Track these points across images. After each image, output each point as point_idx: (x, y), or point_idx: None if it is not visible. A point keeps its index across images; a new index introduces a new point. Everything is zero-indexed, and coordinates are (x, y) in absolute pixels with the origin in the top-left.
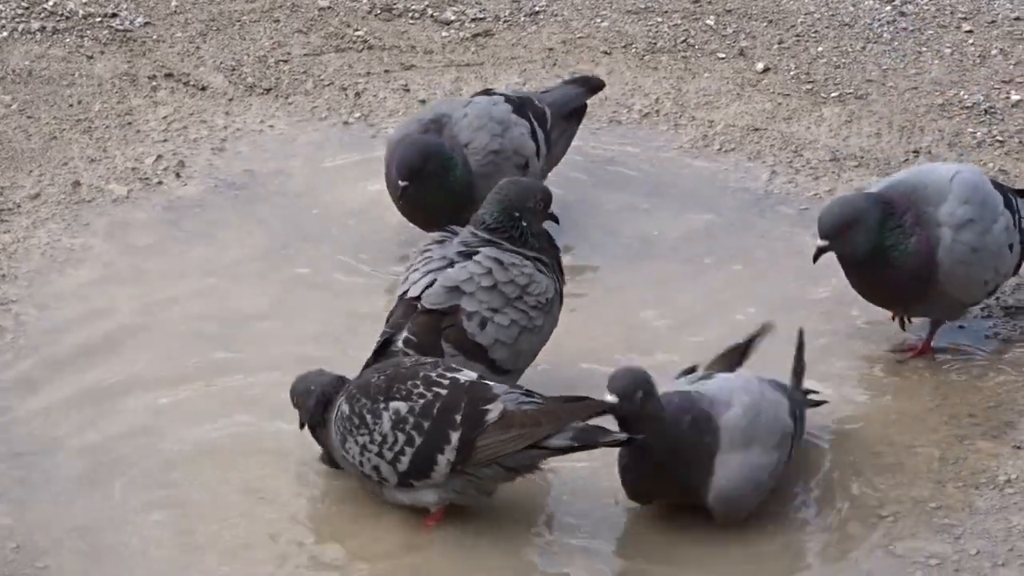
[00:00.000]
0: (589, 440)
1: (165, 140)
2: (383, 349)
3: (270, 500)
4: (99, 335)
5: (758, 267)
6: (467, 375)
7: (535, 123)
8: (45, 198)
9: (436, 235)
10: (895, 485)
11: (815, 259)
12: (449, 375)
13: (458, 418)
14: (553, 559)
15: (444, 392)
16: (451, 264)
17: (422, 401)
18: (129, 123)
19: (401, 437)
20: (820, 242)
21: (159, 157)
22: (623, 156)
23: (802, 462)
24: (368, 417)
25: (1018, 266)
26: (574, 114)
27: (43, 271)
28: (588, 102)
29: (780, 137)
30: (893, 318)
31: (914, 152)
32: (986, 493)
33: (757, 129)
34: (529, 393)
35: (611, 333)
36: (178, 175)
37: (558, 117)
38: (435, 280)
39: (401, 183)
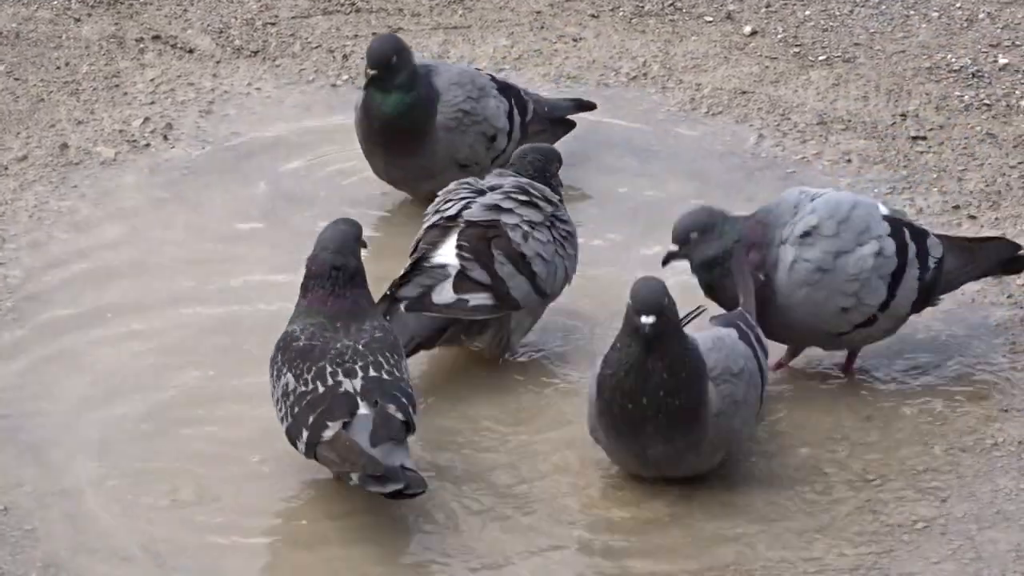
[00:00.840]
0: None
1: (152, 103)
2: (416, 266)
3: (263, 459)
4: (86, 297)
5: None
6: (351, 385)
7: (514, 108)
8: (32, 160)
9: (456, 183)
10: (883, 447)
11: (664, 263)
12: (336, 379)
13: (310, 419)
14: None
15: (317, 390)
16: (482, 193)
17: (302, 387)
18: (116, 85)
19: (283, 407)
20: (671, 246)
21: (146, 119)
22: (610, 119)
23: (788, 425)
24: (274, 370)
25: (921, 303)
26: (560, 123)
27: (30, 233)
28: (583, 103)
29: (767, 100)
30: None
31: (901, 115)
32: (973, 456)
33: (744, 92)
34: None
35: (595, 296)
36: (165, 137)
37: (541, 116)
38: (471, 203)
39: (369, 71)
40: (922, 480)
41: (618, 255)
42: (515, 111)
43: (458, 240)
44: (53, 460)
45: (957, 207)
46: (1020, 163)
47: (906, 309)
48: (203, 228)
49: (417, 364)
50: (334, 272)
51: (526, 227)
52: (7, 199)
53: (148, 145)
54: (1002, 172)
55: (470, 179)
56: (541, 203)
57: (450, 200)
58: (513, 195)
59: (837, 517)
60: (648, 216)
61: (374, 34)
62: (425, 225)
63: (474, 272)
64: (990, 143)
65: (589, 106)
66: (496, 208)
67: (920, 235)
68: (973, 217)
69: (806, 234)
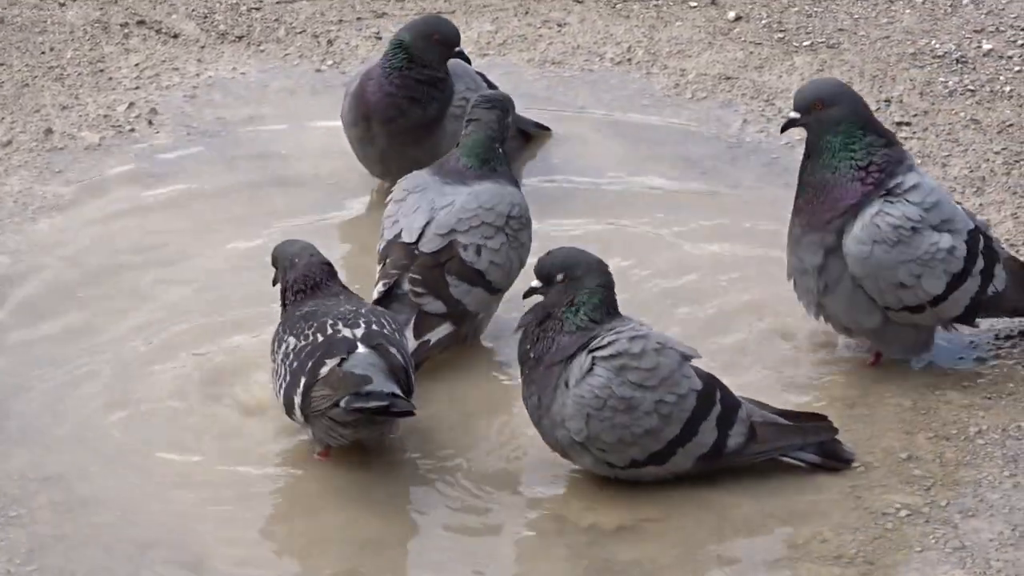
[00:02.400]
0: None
1: (137, 88)
2: (389, 293)
3: (246, 444)
4: (71, 282)
5: (730, 216)
6: (350, 332)
7: None
8: (17, 145)
9: (406, 182)
10: (866, 436)
11: (783, 129)
12: (336, 328)
13: (309, 365)
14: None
15: (317, 339)
16: (439, 208)
17: (303, 342)
18: (101, 71)
19: (281, 370)
20: (792, 113)
21: (131, 105)
22: (595, 104)
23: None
24: (275, 344)
25: (962, 317)
26: (523, 136)
27: (15, 218)
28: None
29: (752, 86)
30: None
31: (885, 101)
32: (957, 444)
33: (729, 78)
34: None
35: None
36: (150, 123)
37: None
38: (429, 223)
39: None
40: (906, 468)
41: (606, 240)
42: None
43: (411, 275)
44: (38, 445)
45: None
46: (1004, 149)
47: (949, 315)
48: (187, 213)
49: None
50: (326, 269)
51: (479, 241)
52: None
53: (133, 130)
54: (986, 158)
55: (427, 175)
56: (497, 207)
57: (406, 215)
58: (468, 213)
59: (820, 504)
60: (633, 201)
61: (358, 19)
62: (387, 236)
63: (430, 306)
64: (974, 129)
65: (546, 128)
66: (451, 232)
67: (992, 256)
68: (957, 203)
69: (892, 192)
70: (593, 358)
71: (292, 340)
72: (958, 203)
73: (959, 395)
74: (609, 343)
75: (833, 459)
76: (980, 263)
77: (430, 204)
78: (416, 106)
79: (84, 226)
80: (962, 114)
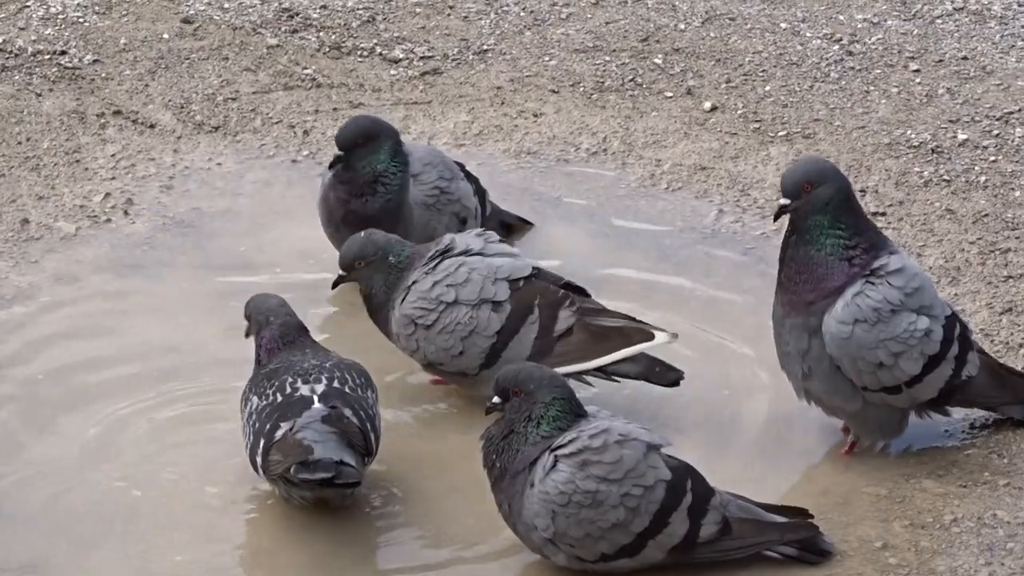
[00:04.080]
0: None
1: (113, 178)
2: None
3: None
4: (47, 371)
5: (704, 307)
6: (308, 391)
7: (476, 194)
8: None
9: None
10: (841, 524)
11: (776, 217)
12: (295, 387)
13: (267, 427)
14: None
15: (276, 400)
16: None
17: (263, 402)
18: (78, 160)
19: (247, 430)
20: (782, 200)
21: (107, 195)
22: (571, 194)
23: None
24: (242, 403)
25: (934, 402)
26: (502, 226)
27: None
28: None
29: (727, 176)
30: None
31: (861, 191)
32: (932, 532)
33: (704, 168)
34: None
35: None
36: (126, 213)
37: (494, 213)
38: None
39: (336, 152)
40: (881, 557)
41: None
42: (478, 198)
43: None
44: (11, 531)
45: None
46: (979, 239)
47: (923, 398)
48: (163, 304)
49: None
50: (300, 328)
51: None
52: None
53: (109, 220)
54: (961, 248)
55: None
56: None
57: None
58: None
59: None
60: (608, 292)
61: (335, 109)
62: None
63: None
64: (949, 219)
65: (528, 223)
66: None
67: (966, 343)
68: None
69: (875, 273)
70: (555, 456)
71: (255, 400)
72: None
73: (934, 483)
74: (570, 441)
75: (811, 552)
76: (955, 348)
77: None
78: (361, 201)
79: (60, 316)
80: (937, 204)
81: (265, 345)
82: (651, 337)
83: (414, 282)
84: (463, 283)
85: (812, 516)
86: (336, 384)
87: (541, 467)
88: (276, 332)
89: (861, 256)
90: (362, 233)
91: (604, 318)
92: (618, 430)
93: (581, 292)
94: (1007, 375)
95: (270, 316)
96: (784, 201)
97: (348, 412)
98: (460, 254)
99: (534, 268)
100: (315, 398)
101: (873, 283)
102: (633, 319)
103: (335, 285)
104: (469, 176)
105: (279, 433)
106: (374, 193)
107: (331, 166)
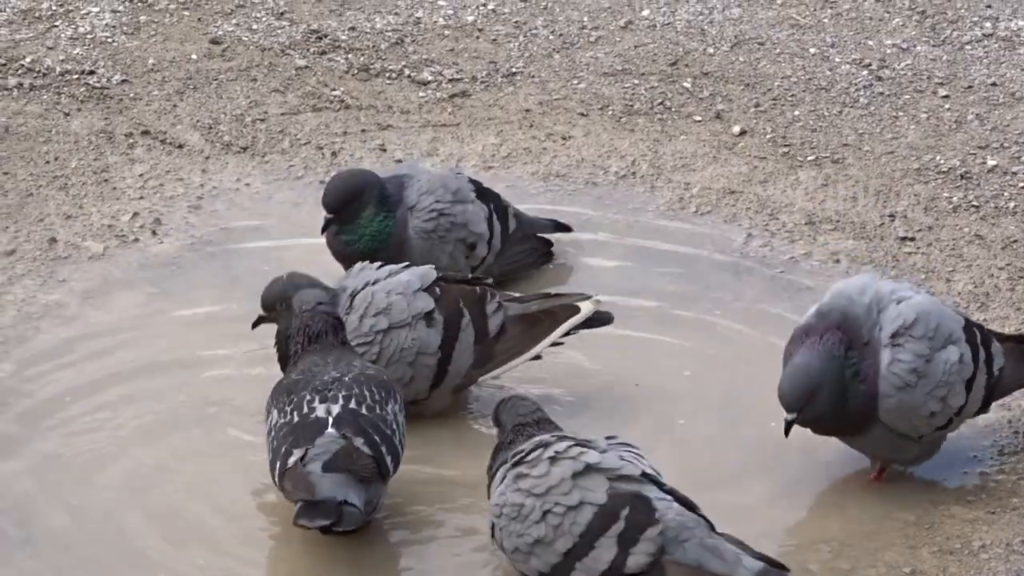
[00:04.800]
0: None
1: (141, 197)
2: None
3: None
4: (74, 392)
5: (732, 331)
6: (324, 411)
7: (494, 213)
8: (21, 254)
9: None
10: (869, 550)
11: (786, 433)
12: (312, 407)
13: (282, 451)
14: None
15: (293, 420)
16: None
17: (282, 419)
18: (106, 180)
19: (269, 445)
20: (788, 416)
21: (135, 214)
22: (599, 218)
23: (774, 525)
24: (266, 415)
25: (986, 403)
26: (541, 241)
27: (18, 327)
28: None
29: (756, 200)
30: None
31: (890, 216)
32: (961, 558)
33: (733, 192)
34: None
35: (575, 393)
36: (154, 233)
37: (525, 230)
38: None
39: (325, 215)
40: None
41: (606, 353)
42: (495, 218)
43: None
44: (47, 560)
45: None
46: (1008, 264)
47: (972, 413)
48: (191, 324)
49: None
50: (334, 322)
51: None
52: None
53: (137, 240)
54: (990, 273)
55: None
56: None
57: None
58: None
59: None
60: (635, 315)
61: (363, 131)
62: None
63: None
64: (978, 244)
65: (566, 228)
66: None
67: (987, 340)
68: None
69: (897, 335)
70: (504, 469)
71: (275, 415)
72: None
73: (963, 509)
74: (522, 451)
75: None
76: (982, 353)
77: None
78: (347, 243)
79: (88, 336)
80: (966, 230)
81: (296, 339)
82: (577, 310)
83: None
84: (386, 308)
85: (789, 571)
86: (353, 404)
87: (498, 479)
88: (308, 327)
89: (869, 365)
90: (284, 275)
91: (527, 303)
92: (555, 447)
93: (486, 283)
94: None
95: (306, 304)
96: (788, 416)
97: (360, 441)
98: (364, 287)
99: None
100: (330, 420)
101: (900, 345)
102: (551, 294)
103: (255, 325)
104: (485, 195)
105: (291, 460)
106: (361, 237)
107: (323, 230)
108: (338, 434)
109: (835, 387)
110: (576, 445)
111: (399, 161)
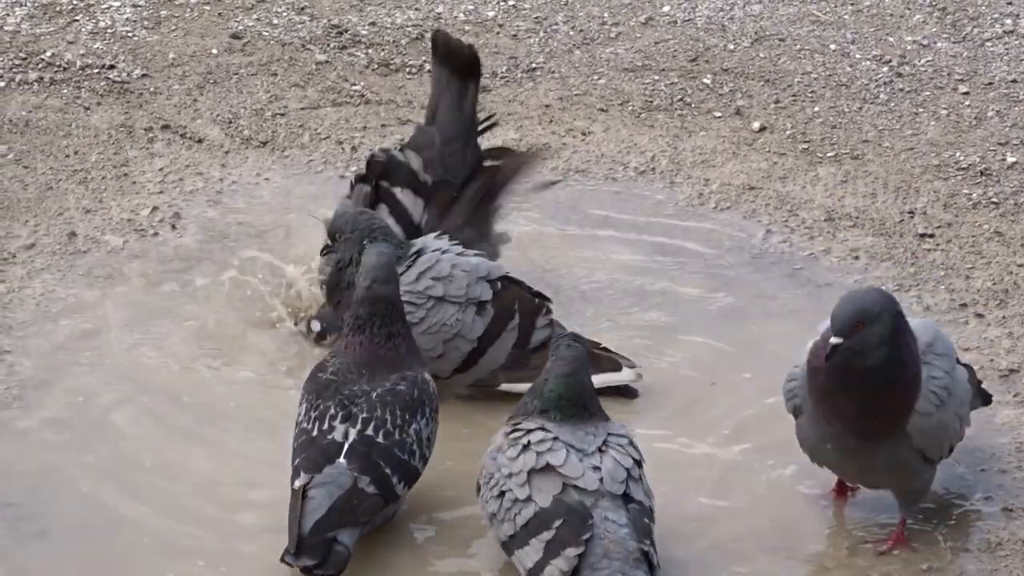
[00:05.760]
0: None
1: (161, 192)
2: None
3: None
4: (93, 386)
5: (751, 327)
6: (341, 434)
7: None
8: (40, 248)
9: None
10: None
11: (828, 358)
12: (332, 425)
13: (296, 461)
14: None
15: (311, 434)
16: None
17: (304, 424)
18: (125, 174)
19: (293, 440)
20: (834, 339)
21: (155, 209)
22: (618, 213)
23: (791, 525)
24: (300, 396)
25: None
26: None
27: (37, 321)
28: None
29: (776, 196)
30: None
31: (909, 212)
32: (977, 555)
33: (753, 188)
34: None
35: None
36: (174, 227)
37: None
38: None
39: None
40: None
41: (627, 346)
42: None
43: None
44: (62, 551)
45: (964, 305)
46: None
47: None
48: (209, 317)
49: None
50: (386, 308)
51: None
52: (15, 287)
53: (156, 234)
54: (1009, 270)
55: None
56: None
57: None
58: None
59: None
60: (654, 311)
61: (383, 126)
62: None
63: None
64: (998, 241)
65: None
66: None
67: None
68: (980, 315)
69: (923, 352)
70: (504, 427)
71: (303, 411)
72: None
73: (980, 505)
74: (520, 421)
75: None
76: (965, 372)
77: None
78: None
79: (107, 330)
80: (986, 226)
81: (352, 317)
82: (619, 368)
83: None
84: (447, 277)
85: None
86: (371, 430)
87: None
88: (363, 305)
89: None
90: (352, 201)
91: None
92: (534, 436)
93: (547, 301)
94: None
95: (367, 279)
96: (835, 340)
97: (367, 481)
98: (434, 251)
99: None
100: (344, 448)
101: (928, 362)
102: (602, 346)
103: (323, 254)
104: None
105: (297, 483)
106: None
107: (323, 253)
108: (347, 466)
109: (888, 330)
110: (552, 439)
111: None
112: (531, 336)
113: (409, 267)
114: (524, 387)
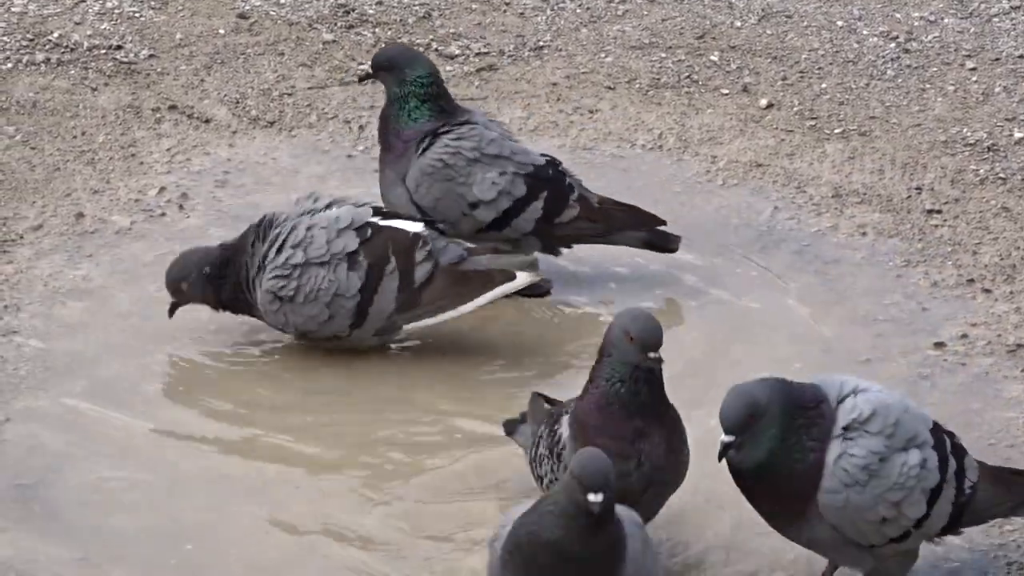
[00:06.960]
0: None
1: (168, 172)
2: None
3: None
4: (101, 367)
5: (759, 305)
6: None
7: (539, 198)
8: (48, 229)
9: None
10: None
11: (720, 457)
12: None
13: None
14: None
15: None
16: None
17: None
18: (133, 155)
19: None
20: (725, 437)
21: (162, 189)
22: (626, 190)
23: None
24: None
25: (947, 528)
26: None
27: (45, 302)
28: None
29: (783, 173)
30: None
31: (916, 189)
32: (986, 529)
33: (760, 165)
34: None
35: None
36: (181, 207)
37: (604, 209)
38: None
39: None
40: (935, 552)
41: None
42: (537, 201)
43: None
44: (67, 531)
45: (972, 280)
46: None
47: (935, 530)
48: None
49: None
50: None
51: None
52: (23, 267)
53: (164, 214)
54: (1016, 246)
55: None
56: None
57: None
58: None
59: None
60: (662, 288)
61: None
62: None
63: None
64: (1005, 217)
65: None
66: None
67: (960, 451)
68: (988, 291)
69: (850, 427)
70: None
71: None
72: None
73: None
74: None
75: None
76: (952, 463)
77: None
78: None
79: (114, 310)
80: (993, 202)
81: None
82: (513, 277)
83: (264, 258)
84: (304, 241)
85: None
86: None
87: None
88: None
89: (818, 437)
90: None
91: (472, 257)
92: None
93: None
94: (1010, 476)
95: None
96: (726, 439)
97: None
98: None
99: (375, 208)
100: None
101: (852, 439)
102: (499, 250)
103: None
104: (541, 179)
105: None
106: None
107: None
108: None
109: (782, 425)
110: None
111: None
112: (414, 274)
113: (271, 247)
114: (427, 323)
